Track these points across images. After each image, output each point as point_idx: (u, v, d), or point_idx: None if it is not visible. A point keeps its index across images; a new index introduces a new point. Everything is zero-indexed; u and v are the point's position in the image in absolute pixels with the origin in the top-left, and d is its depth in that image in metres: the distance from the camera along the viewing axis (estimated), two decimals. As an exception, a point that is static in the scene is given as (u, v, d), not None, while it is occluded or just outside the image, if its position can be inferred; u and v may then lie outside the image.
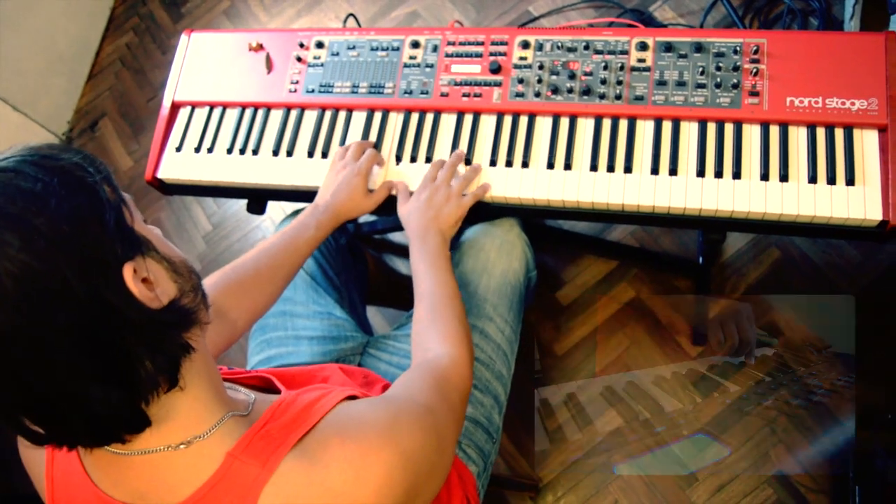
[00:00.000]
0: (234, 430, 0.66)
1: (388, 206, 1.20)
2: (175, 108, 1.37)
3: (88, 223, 0.56)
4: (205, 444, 0.64)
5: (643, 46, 1.16)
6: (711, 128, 1.10)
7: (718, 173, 1.07)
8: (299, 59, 1.32)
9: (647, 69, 1.15)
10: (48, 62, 2.33)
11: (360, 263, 1.56)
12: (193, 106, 1.37)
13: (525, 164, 1.15)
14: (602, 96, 1.15)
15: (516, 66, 1.21)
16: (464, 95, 1.21)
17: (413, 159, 1.21)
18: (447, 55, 1.25)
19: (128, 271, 0.57)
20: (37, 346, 0.53)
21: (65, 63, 2.41)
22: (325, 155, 1.26)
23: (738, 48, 1.12)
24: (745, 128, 1.09)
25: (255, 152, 1.29)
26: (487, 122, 1.20)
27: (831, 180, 1.03)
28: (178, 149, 1.34)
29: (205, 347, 0.67)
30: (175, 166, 1.33)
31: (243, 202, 1.39)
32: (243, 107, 1.33)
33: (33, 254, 0.52)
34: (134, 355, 0.58)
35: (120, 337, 0.57)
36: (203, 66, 1.38)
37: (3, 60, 2.15)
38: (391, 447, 0.64)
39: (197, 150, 1.33)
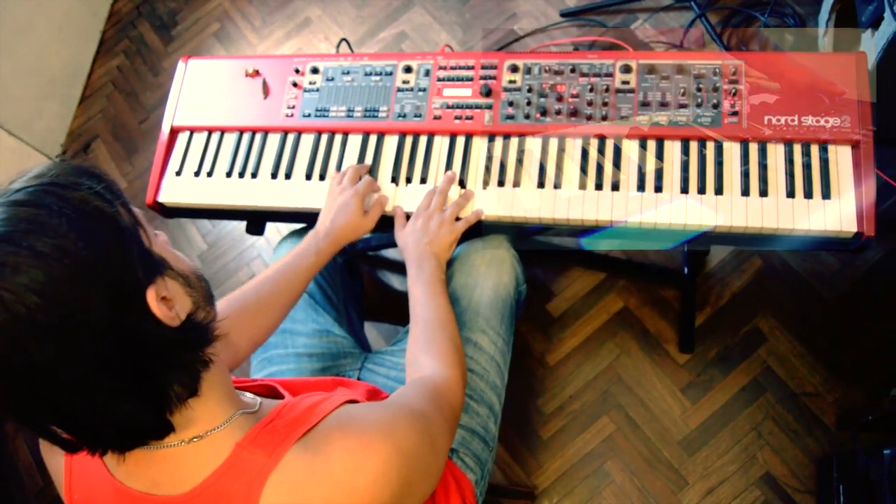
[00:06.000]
0: (243, 424, 0.71)
1: (383, 224, 1.25)
2: (174, 133, 1.40)
3: (113, 255, 0.59)
4: (216, 436, 0.69)
5: (627, 69, 1.21)
6: (694, 146, 1.15)
7: (701, 190, 1.12)
8: (295, 85, 1.36)
9: (632, 91, 1.20)
10: (41, 86, 2.35)
11: (357, 282, 1.60)
12: (192, 131, 1.40)
13: (516, 184, 1.20)
14: (589, 117, 1.20)
15: (506, 89, 1.25)
16: (456, 118, 1.26)
17: (408, 180, 1.25)
18: (439, 79, 1.30)
19: (151, 295, 0.61)
20: (70, 375, 0.57)
21: (57, 86, 2.43)
22: (322, 177, 1.29)
23: (717, 69, 1.17)
24: (726, 146, 1.14)
25: (253, 175, 1.33)
26: (479, 144, 1.25)
27: (808, 194, 1.08)
28: (178, 173, 1.37)
29: (219, 357, 0.72)
30: (175, 190, 1.36)
31: (238, 222, 1.42)
32: (241, 131, 1.37)
33: (61, 290, 0.55)
34: (162, 376, 0.63)
35: (148, 361, 0.62)
36: (200, 91, 1.41)
37: (-3, 85, 2.17)
38: (389, 443, 0.70)
39: (196, 173, 1.36)
